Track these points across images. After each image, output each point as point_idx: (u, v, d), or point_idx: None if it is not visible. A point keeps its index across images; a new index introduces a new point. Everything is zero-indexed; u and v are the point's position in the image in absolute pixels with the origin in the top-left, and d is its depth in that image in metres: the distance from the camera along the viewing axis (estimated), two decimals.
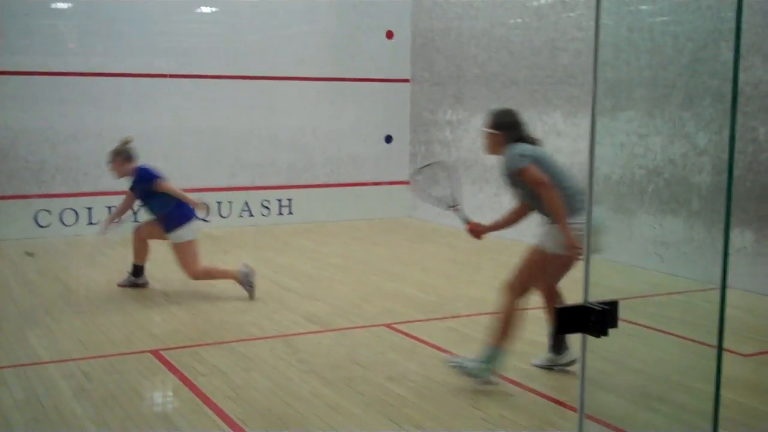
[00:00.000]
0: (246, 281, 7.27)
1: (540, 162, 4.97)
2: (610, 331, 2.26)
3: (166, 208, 7.28)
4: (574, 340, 5.28)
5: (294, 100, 11.82)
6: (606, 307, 2.23)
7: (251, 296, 7.23)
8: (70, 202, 10.46)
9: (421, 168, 5.90)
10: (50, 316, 6.66)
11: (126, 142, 7.39)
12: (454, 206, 5.56)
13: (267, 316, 6.71)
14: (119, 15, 10.65)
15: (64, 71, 10.37)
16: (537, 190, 4.90)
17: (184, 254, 7.29)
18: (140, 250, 7.58)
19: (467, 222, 5.50)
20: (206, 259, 7.82)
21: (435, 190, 5.60)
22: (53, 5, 10.52)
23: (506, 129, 5.13)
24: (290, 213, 11.79)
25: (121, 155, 7.34)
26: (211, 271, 7.43)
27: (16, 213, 10.18)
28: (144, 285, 7.61)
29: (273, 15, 11.63)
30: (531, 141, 5.15)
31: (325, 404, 4.74)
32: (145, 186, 7.27)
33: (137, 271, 7.62)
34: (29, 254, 8.27)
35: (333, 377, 5.19)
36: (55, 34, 10.47)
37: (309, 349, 5.81)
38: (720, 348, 2.36)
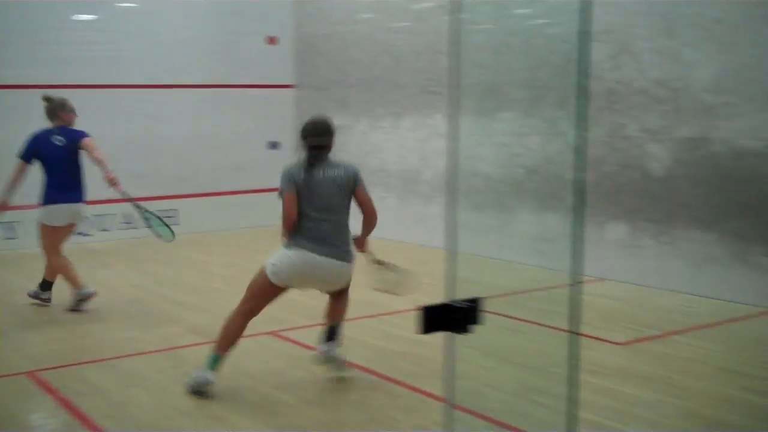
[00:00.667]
0: (79, 300, 7.06)
1: None
2: (489, 326, 2.30)
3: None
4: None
5: (176, 108, 11.60)
6: (469, 304, 2.27)
7: (70, 309, 7.06)
8: None
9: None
10: None
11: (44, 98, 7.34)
12: None
13: (150, 331, 6.56)
14: None
15: None
16: None
17: (41, 236, 7.05)
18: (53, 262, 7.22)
19: None
20: (85, 275, 7.58)
21: None
22: None
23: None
24: (174, 223, 11.55)
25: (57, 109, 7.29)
26: (63, 267, 7.09)
27: None
28: (45, 300, 7.31)
29: (152, 22, 11.38)
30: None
31: (210, 417, 4.66)
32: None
33: (45, 285, 7.31)
34: None
35: (218, 389, 5.11)
36: None
37: (194, 362, 5.69)
38: (575, 334, 2.44)
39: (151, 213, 7.19)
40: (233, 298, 7.59)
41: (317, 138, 5.18)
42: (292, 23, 12.40)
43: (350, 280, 5.42)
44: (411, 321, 6.47)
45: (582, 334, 5.82)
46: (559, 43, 8.49)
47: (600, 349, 5.89)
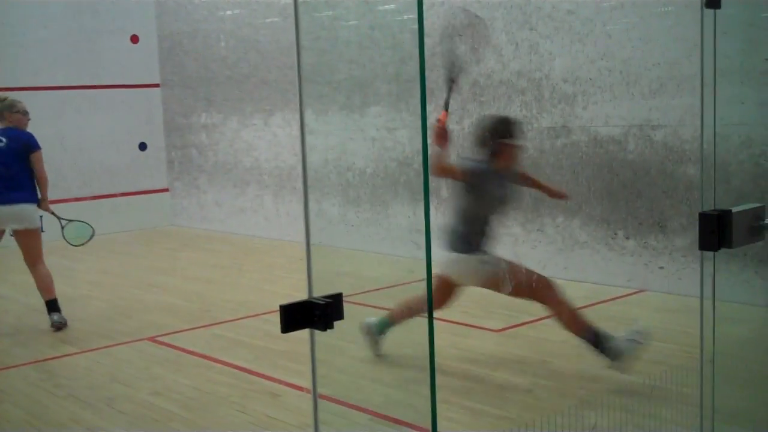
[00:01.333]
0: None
1: None
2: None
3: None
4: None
5: (37, 111, 11.10)
6: (330, 300, 2.30)
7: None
8: None
9: None
10: None
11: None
12: None
13: (19, 343, 6.32)
14: None
15: None
16: None
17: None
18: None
19: None
20: None
21: None
22: None
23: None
24: (42, 231, 11.12)
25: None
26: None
27: None
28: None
29: (5, 22, 10.91)
30: None
31: (85, 428, 4.54)
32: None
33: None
34: None
35: (93, 399, 4.98)
36: None
37: (66, 373, 5.54)
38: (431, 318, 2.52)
39: (68, 221, 6.93)
40: (104, 305, 7.46)
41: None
42: (154, 21, 12.13)
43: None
44: None
45: (458, 323, 5.99)
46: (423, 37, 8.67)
47: (477, 336, 6.06)
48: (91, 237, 7.15)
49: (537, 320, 6.47)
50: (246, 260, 9.42)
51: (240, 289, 7.89)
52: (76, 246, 7.08)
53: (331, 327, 2.22)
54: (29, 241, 6.75)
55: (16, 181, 6.68)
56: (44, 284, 6.70)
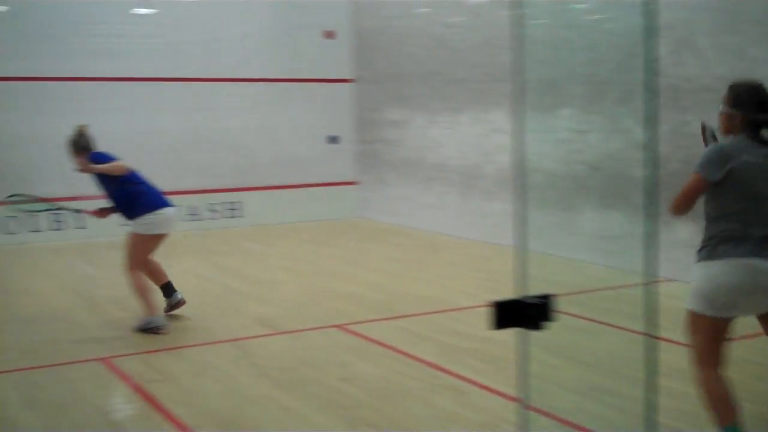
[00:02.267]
0: (144, 325, 6.40)
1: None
2: (557, 325, 2.32)
3: (123, 193, 6.55)
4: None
5: (236, 102, 11.77)
6: (541, 301, 2.29)
7: (137, 328, 6.47)
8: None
9: None
10: None
11: (80, 133, 6.56)
12: None
13: (217, 321, 6.69)
14: (56, 18, 10.50)
15: (2, 76, 10.18)
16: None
17: (135, 245, 6.58)
18: (150, 271, 6.82)
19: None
20: None
21: None
22: None
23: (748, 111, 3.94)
24: (241, 216, 11.74)
25: (76, 146, 6.51)
26: (144, 288, 6.53)
27: None
28: (180, 303, 6.87)
29: (212, 16, 11.56)
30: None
31: (278, 407, 4.76)
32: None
33: (166, 291, 6.87)
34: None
35: (285, 380, 5.21)
36: None
37: (260, 353, 5.82)
38: (651, 336, 2.45)
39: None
40: (296, 290, 7.78)
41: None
42: (350, 17, 12.48)
43: None
44: (478, 318, 6.53)
45: (659, 338, 5.78)
46: (618, 38, 8.44)
47: (671, 351, 5.85)
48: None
49: (747, 336, 6.17)
50: (430, 256, 9.53)
51: (424, 284, 7.99)
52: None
53: (541, 328, 2.21)
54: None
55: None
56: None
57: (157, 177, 11.28)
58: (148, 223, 6.49)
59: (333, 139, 12.48)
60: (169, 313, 6.80)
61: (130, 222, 6.58)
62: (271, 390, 5.04)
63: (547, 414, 4.46)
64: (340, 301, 7.35)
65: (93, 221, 10.37)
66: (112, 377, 5.33)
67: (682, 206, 3.99)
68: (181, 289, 7.38)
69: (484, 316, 6.65)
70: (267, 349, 5.93)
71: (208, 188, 11.55)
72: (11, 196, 7.25)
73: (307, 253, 9.82)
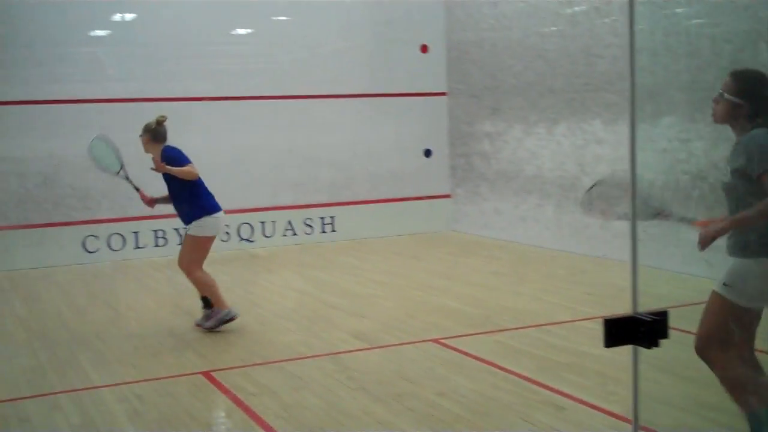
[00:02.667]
0: (219, 319, 6.80)
1: None
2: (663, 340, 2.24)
3: (185, 194, 6.81)
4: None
5: (332, 118, 11.89)
6: (656, 317, 2.21)
7: (203, 324, 6.86)
8: (117, 227, 10.60)
9: None
10: (101, 340, 6.76)
11: (159, 122, 7.00)
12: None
13: (315, 335, 6.74)
14: (156, 40, 10.82)
15: (105, 98, 10.55)
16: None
17: (193, 248, 6.83)
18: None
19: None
20: (251, 279, 7.87)
21: None
22: (91, 33, 10.74)
23: (755, 102, 3.90)
24: (333, 230, 11.84)
25: (155, 134, 6.96)
26: (209, 284, 6.86)
27: (63, 239, 10.35)
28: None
29: (307, 34, 11.73)
30: None
31: (376, 421, 4.75)
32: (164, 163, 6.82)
33: (206, 302, 6.95)
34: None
35: (383, 394, 5.20)
36: (94, 60, 10.67)
37: (357, 367, 5.83)
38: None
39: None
40: (391, 304, 7.78)
41: None
42: (443, 31, 12.47)
43: None
44: (577, 332, 6.39)
45: (760, 351, 5.55)
46: (722, 43, 8.17)
47: None
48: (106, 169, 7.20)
49: None
50: (525, 269, 9.40)
51: (520, 298, 7.88)
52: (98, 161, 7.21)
53: (657, 345, 2.13)
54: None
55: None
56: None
57: (255, 193, 11.54)
58: (203, 225, 6.80)
59: (427, 153, 12.47)
60: (198, 325, 6.95)
61: (186, 225, 6.92)
62: (369, 404, 5.03)
63: (651, 431, 4.32)
64: (435, 314, 7.31)
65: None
66: (213, 390, 5.42)
67: None
68: (279, 303, 7.49)
69: (583, 331, 6.52)
70: (364, 363, 5.94)
71: (304, 204, 11.69)
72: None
73: (402, 267, 9.81)
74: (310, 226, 11.70)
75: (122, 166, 7.20)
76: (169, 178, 6.90)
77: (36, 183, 10.34)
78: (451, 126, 12.53)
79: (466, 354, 6.04)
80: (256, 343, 6.53)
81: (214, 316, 6.86)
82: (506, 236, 11.34)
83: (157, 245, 10.75)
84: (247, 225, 11.25)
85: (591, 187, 4.52)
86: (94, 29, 10.76)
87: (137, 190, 7.12)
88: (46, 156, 10.35)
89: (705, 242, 3.86)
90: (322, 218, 11.78)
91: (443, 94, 12.50)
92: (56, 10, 10.35)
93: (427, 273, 9.38)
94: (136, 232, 10.65)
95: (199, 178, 6.86)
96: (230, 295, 7.47)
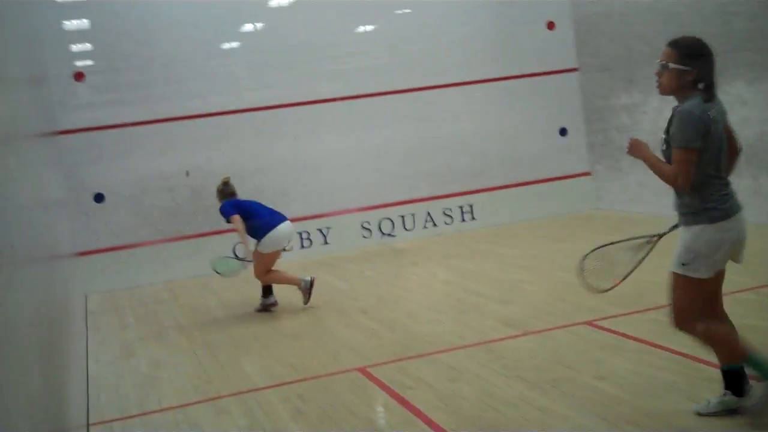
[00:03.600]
0: (305, 289, 7.87)
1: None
2: None
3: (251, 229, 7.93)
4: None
5: (462, 105, 11.85)
6: None
7: (305, 302, 7.89)
8: None
9: None
10: (260, 342, 7.00)
11: (224, 183, 8.22)
12: None
13: (464, 324, 6.75)
14: (285, 47, 11.08)
15: (241, 108, 10.90)
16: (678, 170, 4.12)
17: (257, 261, 7.92)
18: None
19: None
20: (396, 273, 7.95)
21: None
22: (223, 46, 11.10)
23: (698, 66, 4.08)
24: (473, 218, 11.81)
25: (220, 194, 8.21)
26: (276, 277, 8.00)
27: (216, 249, 10.74)
28: (274, 304, 8.11)
29: (431, 23, 11.72)
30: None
31: (536, 408, 4.71)
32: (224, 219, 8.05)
33: (265, 291, 8.15)
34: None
35: (539, 380, 5.15)
36: (228, 73, 11.04)
37: (511, 354, 5.80)
38: None
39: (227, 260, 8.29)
40: (538, 288, 7.69)
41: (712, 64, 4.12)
42: (569, 4, 12.19)
43: None
44: (740, 304, 6.11)
45: None
46: None
47: None
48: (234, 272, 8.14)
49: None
50: (675, 242, 9.06)
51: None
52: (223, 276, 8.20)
53: None
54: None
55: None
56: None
57: (392, 188, 11.65)
58: (264, 244, 7.90)
59: (562, 132, 12.23)
60: (259, 310, 8.09)
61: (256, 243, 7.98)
62: (526, 391, 5.00)
63: None
64: (584, 296, 7.11)
65: (335, 236, 10.89)
66: (371, 386, 5.52)
67: (688, 181, 4.12)
68: (427, 294, 7.53)
69: (743, 302, 6.25)
70: (516, 350, 5.90)
71: (441, 194, 11.71)
72: None
73: (545, 250, 9.67)
74: (449, 216, 11.71)
75: (242, 259, 8.12)
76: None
77: (185, 197, 10.81)
78: (585, 102, 12.24)
79: (621, 335, 5.90)
80: (408, 337, 6.59)
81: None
82: (653, 209, 10.97)
83: (302, 247, 11.02)
84: (387, 220, 11.38)
85: (585, 257, 4.94)
86: (225, 42, 11.11)
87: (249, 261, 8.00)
88: (194, 169, 10.79)
89: (631, 147, 4.42)
90: (460, 207, 11.77)
91: (574, 70, 12.23)
92: (190, 27, 10.77)
93: (571, 254, 9.10)
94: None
95: (251, 209, 8.01)
96: (377, 291, 7.60)
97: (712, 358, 5.08)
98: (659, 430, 4.23)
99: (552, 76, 12.16)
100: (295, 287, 7.98)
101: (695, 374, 4.92)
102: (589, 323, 6.28)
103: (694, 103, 4.04)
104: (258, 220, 7.92)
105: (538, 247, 9.89)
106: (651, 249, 4.64)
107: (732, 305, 6.22)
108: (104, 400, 5.97)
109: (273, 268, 8.00)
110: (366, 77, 11.41)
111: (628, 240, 4.76)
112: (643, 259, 4.63)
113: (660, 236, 4.65)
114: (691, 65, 4.06)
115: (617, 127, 11.63)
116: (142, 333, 7.98)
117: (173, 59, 10.75)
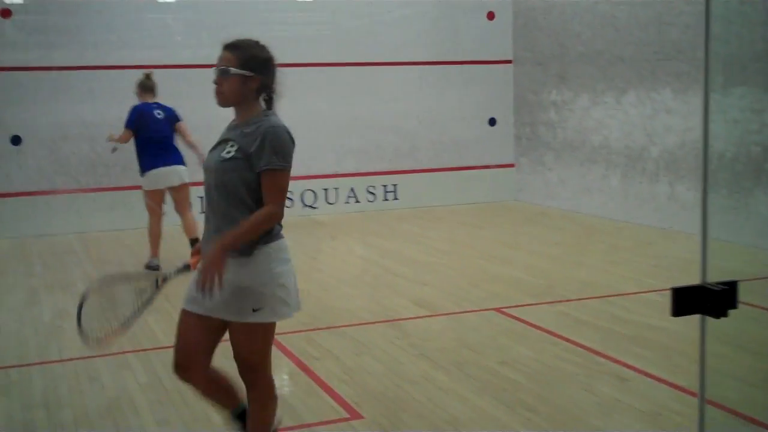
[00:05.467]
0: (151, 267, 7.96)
1: None
2: (730, 313, 2.21)
3: (138, 149, 8.10)
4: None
5: (397, 85, 11.86)
6: (725, 287, 2.18)
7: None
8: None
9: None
10: (170, 302, 6.90)
11: (146, 75, 8.26)
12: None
13: (377, 301, 6.79)
14: (223, 7, 10.90)
15: (173, 64, 10.68)
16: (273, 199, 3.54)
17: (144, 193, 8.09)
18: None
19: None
20: (314, 245, 7.94)
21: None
22: (160, 0, 10.85)
23: (262, 72, 3.59)
24: (395, 198, 11.87)
25: (138, 87, 8.24)
26: (154, 232, 8.17)
27: (133, 203, 10.55)
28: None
29: (372, 1, 11.68)
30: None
31: (438, 388, 4.78)
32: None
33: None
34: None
35: (444, 361, 5.23)
36: (163, 27, 10.83)
37: (419, 334, 5.86)
38: None
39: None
40: (453, 272, 7.78)
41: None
42: None
43: None
44: (642, 304, 6.33)
45: None
46: None
47: None
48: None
49: None
50: (589, 240, 9.31)
51: (584, 269, 7.81)
52: None
53: (725, 315, 2.10)
54: (183, 194, 8.22)
55: (172, 147, 8.12)
56: (192, 225, 8.19)
57: (318, 161, 11.59)
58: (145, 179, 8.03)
59: (491, 121, 12.37)
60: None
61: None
62: (430, 371, 5.07)
63: (717, 405, 4.26)
64: (498, 284, 7.29)
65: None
66: (277, 353, 5.49)
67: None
68: (342, 269, 7.54)
69: (648, 303, 6.45)
70: (425, 330, 5.97)
71: (367, 171, 11.72)
72: None
73: (464, 236, 9.80)
74: (372, 193, 11.74)
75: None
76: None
77: (105, 147, 10.54)
78: (516, 94, 12.39)
79: (528, 324, 6.02)
80: (320, 309, 6.60)
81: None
82: (571, 206, 11.22)
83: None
84: (310, 192, 11.34)
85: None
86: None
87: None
88: (116, 120, 10.52)
89: (210, 279, 3.33)
90: (384, 186, 11.80)
91: (509, 62, 12.35)
92: None
93: (490, 242, 9.35)
94: (200, 197, 10.79)
95: (141, 139, 8.04)
96: (293, 261, 7.55)
97: (616, 353, 5.26)
98: (555, 417, 4.33)
99: (487, 65, 12.25)
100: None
101: (596, 367, 5.06)
102: (499, 310, 6.39)
103: (278, 118, 3.61)
104: (146, 152, 8.01)
105: (458, 233, 10.00)
106: (154, 296, 3.86)
107: (638, 305, 6.44)
108: (3, 345, 5.83)
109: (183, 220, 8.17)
110: (302, 47, 11.30)
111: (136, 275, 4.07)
112: (145, 307, 3.85)
113: (165, 281, 3.84)
114: (254, 70, 3.55)
115: (544, 122, 11.82)
116: (48, 282, 7.80)
117: (107, 6, 10.46)
